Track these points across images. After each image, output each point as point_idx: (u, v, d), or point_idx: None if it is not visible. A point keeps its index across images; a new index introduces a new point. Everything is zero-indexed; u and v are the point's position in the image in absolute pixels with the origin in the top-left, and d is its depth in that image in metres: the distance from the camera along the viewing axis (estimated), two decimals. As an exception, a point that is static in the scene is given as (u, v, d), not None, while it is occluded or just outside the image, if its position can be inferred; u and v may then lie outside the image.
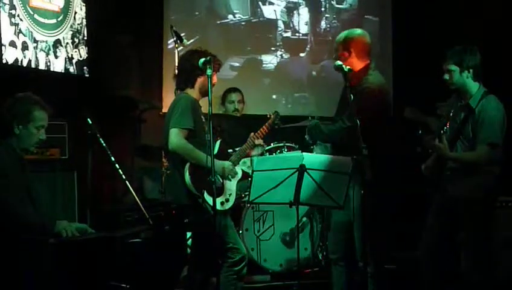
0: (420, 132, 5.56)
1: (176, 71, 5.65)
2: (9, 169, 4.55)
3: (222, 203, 5.31)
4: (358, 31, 5.52)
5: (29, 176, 4.74)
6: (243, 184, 5.99)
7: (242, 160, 5.67)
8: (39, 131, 4.68)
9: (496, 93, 5.33)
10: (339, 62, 5.03)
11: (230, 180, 5.44)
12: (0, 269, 4.32)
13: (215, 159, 5.05)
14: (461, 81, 5.29)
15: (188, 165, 5.19)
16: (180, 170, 5.23)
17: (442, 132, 5.23)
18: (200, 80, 5.34)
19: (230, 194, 5.41)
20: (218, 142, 5.48)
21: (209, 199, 5.13)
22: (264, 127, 5.77)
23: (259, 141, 5.72)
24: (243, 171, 5.65)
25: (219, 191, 5.28)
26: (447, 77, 5.32)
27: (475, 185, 5.24)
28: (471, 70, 5.26)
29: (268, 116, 5.88)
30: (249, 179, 4.86)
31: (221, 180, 5.37)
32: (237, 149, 5.73)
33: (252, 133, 5.71)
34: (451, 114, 5.44)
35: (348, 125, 5.04)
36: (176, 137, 5.18)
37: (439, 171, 5.38)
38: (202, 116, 5.35)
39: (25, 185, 4.67)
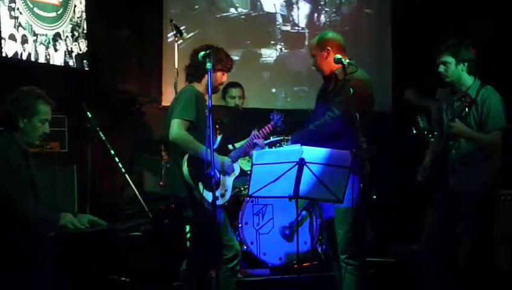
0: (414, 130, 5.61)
1: (184, 63, 5.63)
2: (13, 162, 4.55)
3: (217, 198, 5.30)
4: (331, 32, 5.67)
5: (33, 170, 4.74)
6: (241, 180, 6.00)
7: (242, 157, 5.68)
8: (43, 124, 4.68)
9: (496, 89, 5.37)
10: (338, 56, 5.06)
11: (229, 176, 5.45)
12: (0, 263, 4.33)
13: (215, 154, 5.07)
14: (457, 74, 5.33)
15: (186, 156, 5.18)
16: (178, 162, 5.23)
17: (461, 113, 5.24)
18: (206, 75, 5.32)
19: (226, 190, 5.41)
20: (219, 138, 5.48)
21: (205, 193, 5.14)
22: (266, 127, 5.75)
23: (260, 141, 5.70)
24: (240, 168, 5.65)
25: (216, 185, 5.28)
26: (442, 69, 5.36)
27: (478, 179, 5.28)
28: (465, 64, 5.32)
29: (271, 117, 5.86)
30: (248, 175, 4.86)
31: (219, 175, 5.37)
32: (237, 145, 5.71)
33: (254, 131, 5.70)
34: (444, 106, 5.48)
35: (338, 114, 5.12)
36: (177, 128, 5.17)
37: (438, 166, 5.39)
38: (206, 110, 5.34)
39: (30, 179, 4.68)
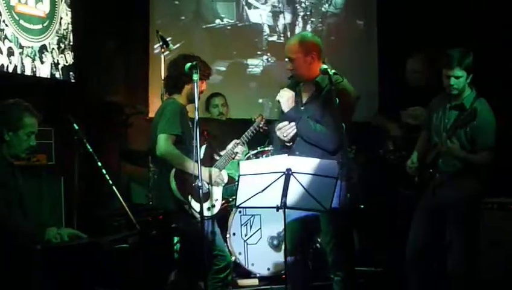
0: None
1: (164, 75, 5.63)
2: None
3: (208, 209, 5.31)
4: (310, 34, 5.46)
5: (20, 183, 4.73)
6: (230, 188, 6.00)
7: (228, 164, 5.68)
8: (29, 137, 4.67)
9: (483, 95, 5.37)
10: (325, 66, 4.99)
11: (218, 186, 5.46)
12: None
13: (204, 167, 5.06)
14: (464, 86, 5.28)
15: (173, 171, 5.19)
16: (166, 176, 5.23)
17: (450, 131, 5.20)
18: (188, 87, 5.31)
19: (216, 200, 5.41)
20: (203, 148, 5.47)
21: (195, 205, 5.14)
22: (248, 131, 5.76)
23: (240, 149, 5.69)
24: (228, 176, 5.65)
25: (205, 197, 5.28)
26: (453, 82, 5.23)
27: (464, 188, 5.29)
28: (471, 75, 5.27)
29: (253, 119, 5.88)
30: (236, 183, 4.86)
31: (207, 186, 5.37)
32: (222, 154, 5.72)
33: (234, 140, 5.71)
34: (434, 114, 5.47)
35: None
36: (164, 143, 5.17)
37: (424, 172, 5.40)
38: (189, 122, 5.34)
39: (16, 192, 4.66)
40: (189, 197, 5.17)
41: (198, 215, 5.08)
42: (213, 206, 5.37)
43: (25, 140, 4.65)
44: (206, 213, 5.21)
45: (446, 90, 5.33)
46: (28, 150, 4.72)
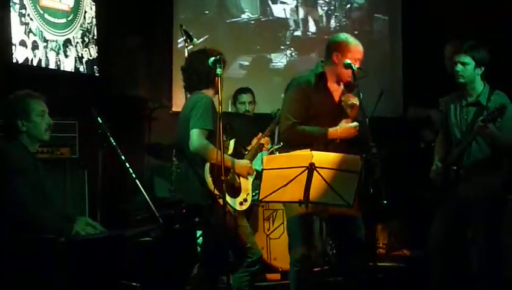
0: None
1: (183, 71, 5.58)
2: (24, 166, 4.57)
3: (241, 203, 5.26)
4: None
5: (42, 174, 4.76)
6: (255, 183, 6.00)
7: (255, 158, 5.67)
8: (43, 117, 4.71)
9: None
10: (348, 60, 5.02)
11: (247, 179, 5.43)
12: (11, 268, 4.34)
13: (235, 159, 5.10)
14: (472, 77, 5.27)
15: (207, 166, 5.13)
16: (197, 170, 5.18)
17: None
18: (216, 80, 5.27)
19: (247, 194, 5.38)
20: (232, 142, 5.46)
21: (229, 199, 5.10)
22: (270, 126, 5.76)
23: (265, 140, 5.71)
24: (256, 170, 5.64)
25: (237, 191, 5.27)
26: (459, 68, 5.27)
27: (489, 186, 5.25)
28: (482, 68, 5.25)
29: (273, 115, 5.88)
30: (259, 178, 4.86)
31: (239, 180, 5.34)
32: (248, 148, 5.72)
33: (260, 134, 5.72)
34: (452, 112, 5.43)
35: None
36: (198, 138, 5.09)
37: (448, 172, 5.37)
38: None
39: (39, 183, 4.69)
40: (224, 191, 5.12)
41: (232, 210, 5.08)
42: (245, 200, 5.33)
43: (39, 122, 4.69)
44: (238, 208, 5.20)
45: (454, 78, 5.35)
46: (47, 130, 4.75)
